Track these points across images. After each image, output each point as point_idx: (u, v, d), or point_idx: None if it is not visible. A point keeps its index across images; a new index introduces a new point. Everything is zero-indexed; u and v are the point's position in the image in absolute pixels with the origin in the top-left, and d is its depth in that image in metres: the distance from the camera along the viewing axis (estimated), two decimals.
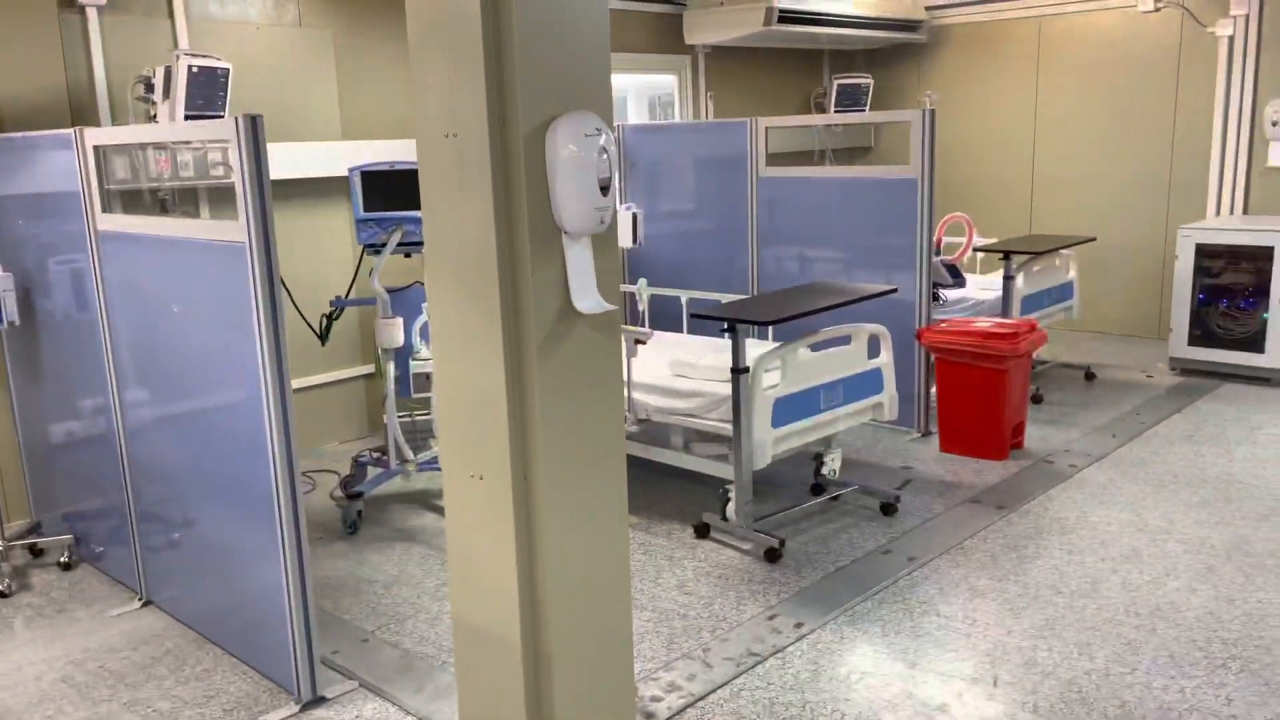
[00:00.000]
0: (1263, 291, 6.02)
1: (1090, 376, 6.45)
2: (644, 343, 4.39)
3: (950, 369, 5.14)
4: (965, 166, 8.09)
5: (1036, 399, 5.94)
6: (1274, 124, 6.55)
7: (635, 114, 7.59)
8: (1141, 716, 2.88)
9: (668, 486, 4.81)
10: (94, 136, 3.53)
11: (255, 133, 2.75)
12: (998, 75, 7.91)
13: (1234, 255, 6.12)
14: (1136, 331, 7.37)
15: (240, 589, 3.26)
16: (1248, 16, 6.62)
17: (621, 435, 2.60)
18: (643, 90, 7.55)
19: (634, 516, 4.47)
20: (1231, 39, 6.71)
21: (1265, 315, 6.02)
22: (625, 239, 5.97)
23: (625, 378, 4.44)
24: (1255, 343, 6.08)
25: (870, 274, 5.54)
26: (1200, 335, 6.31)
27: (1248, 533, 4.07)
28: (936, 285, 5.94)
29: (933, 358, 5.24)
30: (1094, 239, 6.49)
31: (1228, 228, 6.27)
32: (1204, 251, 6.22)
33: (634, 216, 5.89)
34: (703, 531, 4.27)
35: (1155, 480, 4.69)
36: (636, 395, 4.47)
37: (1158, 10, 6.98)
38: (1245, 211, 6.82)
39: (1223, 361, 6.24)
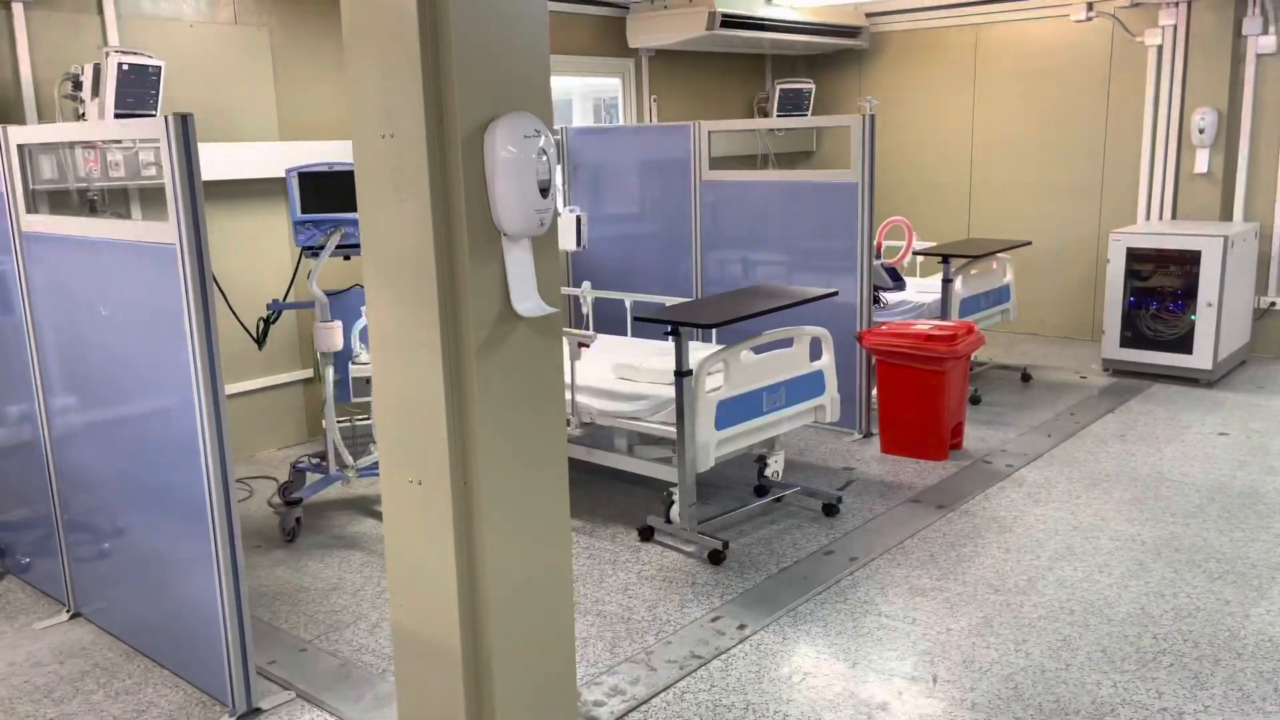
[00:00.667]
0: (1190, 294, 6.19)
1: (1027, 378, 6.58)
2: (587, 346, 4.38)
3: (890, 371, 5.20)
4: (906, 171, 8.22)
5: (975, 400, 6.04)
6: (1200, 131, 6.76)
7: (581, 117, 7.58)
8: (1075, 711, 2.93)
9: (612, 489, 4.79)
10: (18, 135, 3.42)
11: (186, 132, 2.69)
12: (936, 82, 8.04)
13: (1163, 259, 6.29)
14: (1071, 333, 7.54)
15: (173, 599, 3.18)
16: (1175, 27, 6.81)
17: (563, 439, 2.59)
18: (588, 93, 7.54)
19: (578, 520, 4.45)
20: (1160, 48, 6.91)
21: (1193, 317, 6.20)
22: (569, 242, 5.96)
23: (568, 381, 4.43)
24: (1184, 344, 6.26)
25: (812, 277, 5.59)
26: (1131, 337, 6.47)
27: (1176, 530, 4.18)
28: (877, 288, 6.03)
29: (873, 360, 5.31)
30: (1029, 243, 6.63)
31: (1156, 232, 6.44)
32: (1134, 255, 6.39)
33: (578, 219, 5.87)
34: (647, 534, 4.27)
35: (1089, 479, 4.79)
36: (580, 398, 4.45)
37: (1089, 20, 7.15)
38: (1174, 216, 7.02)
39: (1153, 362, 6.41)
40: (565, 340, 4.47)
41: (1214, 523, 4.23)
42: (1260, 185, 6.75)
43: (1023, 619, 3.48)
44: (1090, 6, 7.12)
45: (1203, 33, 6.72)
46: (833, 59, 8.43)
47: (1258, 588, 3.65)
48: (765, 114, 8.22)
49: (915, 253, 6.62)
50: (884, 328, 5.29)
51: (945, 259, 6.10)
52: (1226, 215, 6.85)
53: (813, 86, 8.09)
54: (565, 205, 6.45)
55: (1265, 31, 6.50)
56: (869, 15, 8.05)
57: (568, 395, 4.43)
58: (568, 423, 4.45)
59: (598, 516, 4.52)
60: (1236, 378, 6.44)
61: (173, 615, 3.20)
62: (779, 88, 7.95)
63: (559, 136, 6.51)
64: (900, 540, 4.18)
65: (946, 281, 6.06)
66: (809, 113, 8.06)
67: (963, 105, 7.95)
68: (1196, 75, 6.78)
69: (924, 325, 5.24)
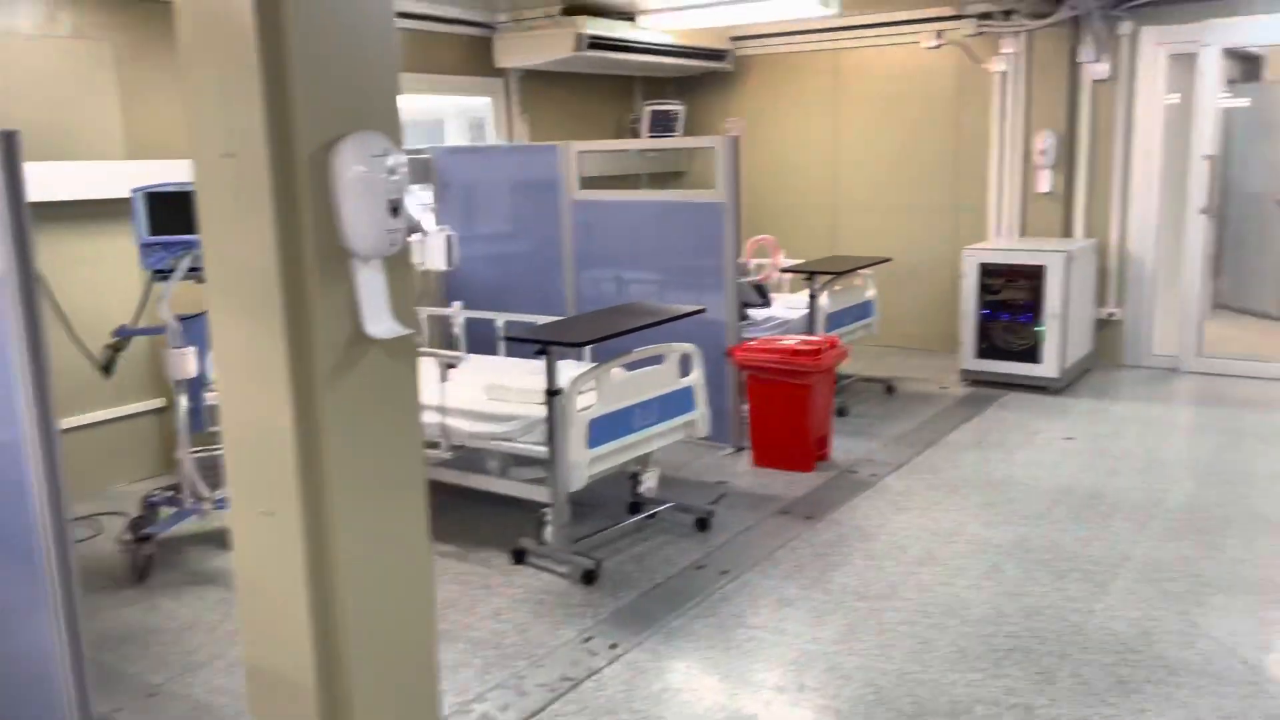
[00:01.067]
0: (1038, 307, 6.54)
1: (890, 389, 6.81)
2: (454, 367, 4.31)
3: (759, 385, 5.31)
4: (773, 190, 8.43)
5: (842, 412, 6.22)
6: (1042, 153, 7.16)
7: (456, 137, 7.48)
8: (934, 711, 3.03)
9: (485, 513, 4.73)
10: None
11: (11, 150, 2.52)
12: (801, 104, 8.29)
13: (1012, 274, 6.63)
14: (932, 346, 7.84)
15: (4, 650, 2.96)
16: (1017, 54, 7.20)
17: (420, 464, 2.54)
18: (463, 112, 7.45)
19: (449, 545, 4.37)
20: (1004, 75, 7.29)
21: (1040, 329, 6.54)
22: (440, 261, 5.87)
23: (438, 404, 4.36)
24: (1032, 354, 6.60)
25: (683, 294, 5.65)
26: (986, 348, 6.78)
27: (1026, 531, 4.39)
28: (746, 305, 6.15)
29: (743, 375, 5.40)
30: (890, 259, 6.87)
31: (1005, 248, 6.79)
32: (986, 270, 6.70)
33: (448, 239, 5.79)
34: (519, 557, 4.23)
35: (947, 485, 4.99)
36: (450, 421, 4.38)
37: (939, 47, 7.51)
38: (1022, 233, 7.40)
39: (1006, 372, 6.73)
40: (433, 362, 4.40)
41: (1061, 523, 4.46)
42: (1098, 203, 7.19)
43: (885, 624, 3.59)
44: (940, 34, 7.48)
45: (1043, 60, 7.13)
46: (701, 81, 8.60)
47: (1100, 583, 3.85)
48: (637, 134, 8.31)
49: (782, 270, 6.79)
50: (752, 343, 5.40)
51: (811, 276, 6.28)
52: (1068, 232, 7.27)
53: (682, 108, 8.23)
54: (435, 225, 6.36)
55: (1098, 59, 6.94)
56: (734, 39, 8.24)
57: (437, 418, 4.35)
58: (437, 446, 4.37)
59: (470, 541, 4.45)
60: (1081, 385, 6.82)
61: (5, 666, 2.98)
62: (649, 109, 8.05)
63: (427, 156, 6.43)
64: (770, 552, 4.26)
65: (812, 297, 6.23)
66: (679, 133, 8.18)
67: (826, 127, 8.21)
68: (1038, 100, 7.19)
69: (790, 340, 5.36)
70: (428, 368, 4.60)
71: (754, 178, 8.28)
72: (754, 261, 6.93)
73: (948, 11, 7.26)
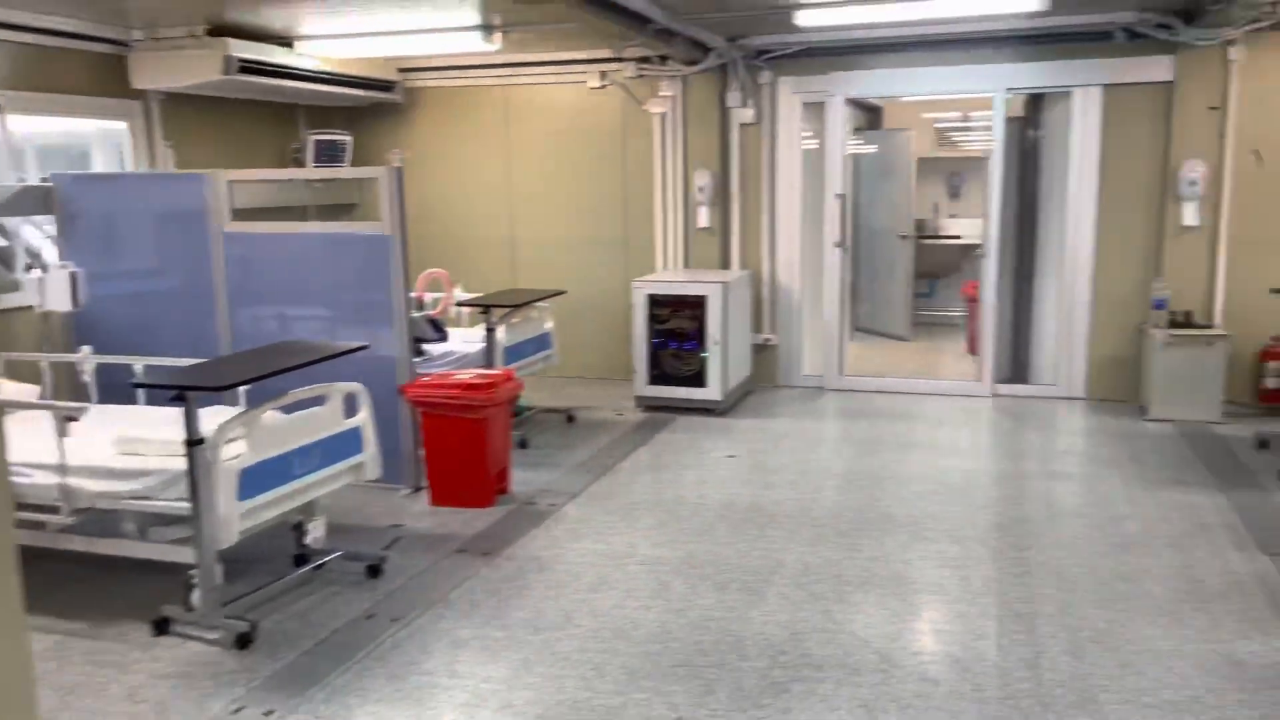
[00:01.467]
0: (701, 334, 6.93)
1: (571, 419, 6.93)
2: (76, 419, 3.83)
3: (434, 422, 5.19)
4: (450, 224, 8.36)
5: (523, 444, 6.23)
6: (701, 190, 7.64)
7: (103, 164, 6.68)
8: None
9: (122, 581, 4.23)
10: None
11: None
12: (473, 138, 8.30)
13: (677, 304, 6.99)
14: (610, 374, 8.08)
15: None
16: (675, 97, 7.66)
17: (9, 535, 2.18)
18: (109, 137, 6.68)
19: (76, 622, 3.86)
20: (664, 116, 7.72)
21: (704, 355, 6.94)
22: (63, 302, 5.24)
23: (57, 462, 3.84)
24: (699, 379, 6.98)
25: (353, 331, 5.40)
26: (657, 375, 7.09)
27: (694, 548, 4.59)
28: (421, 340, 6.01)
29: (418, 412, 5.26)
30: (565, 292, 7.01)
31: (670, 280, 7.16)
32: (654, 301, 7.02)
33: (73, 276, 5.19)
34: (162, 626, 3.80)
35: (622, 509, 5.12)
36: (72, 481, 3.88)
37: (604, 88, 7.82)
38: (686, 266, 7.85)
39: (676, 397, 7.07)
40: (49, 415, 3.89)
41: (723, 537, 4.71)
42: (751, 237, 7.78)
43: (559, 654, 3.59)
44: (604, 76, 7.79)
45: (697, 103, 7.63)
46: (370, 112, 8.37)
47: (756, 591, 4.10)
48: (301, 164, 7.92)
49: (457, 304, 6.72)
50: (426, 379, 5.27)
51: (487, 309, 6.25)
52: (726, 264, 7.80)
53: (350, 139, 7.95)
54: (58, 261, 5.66)
55: (744, 104, 7.53)
56: (402, 70, 8.10)
57: (55, 478, 3.84)
58: (56, 510, 3.85)
59: (103, 614, 3.94)
60: (743, 406, 7.32)
61: None
62: (313, 138, 7.71)
63: (50, 185, 5.72)
64: (445, 593, 4.14)
65: (489, 331, 6.21)
66: (347, 164, 7.90)
67: (500, 162, 8.28)
68: (694, 141, 7.68)
69: (465, 375, 5.30)
70: (43, 422, 4.06)
71: (429, 211, 8.18)
72: (429, 295, 6.81)
73: (609, 54, 7.57)
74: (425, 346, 6.10)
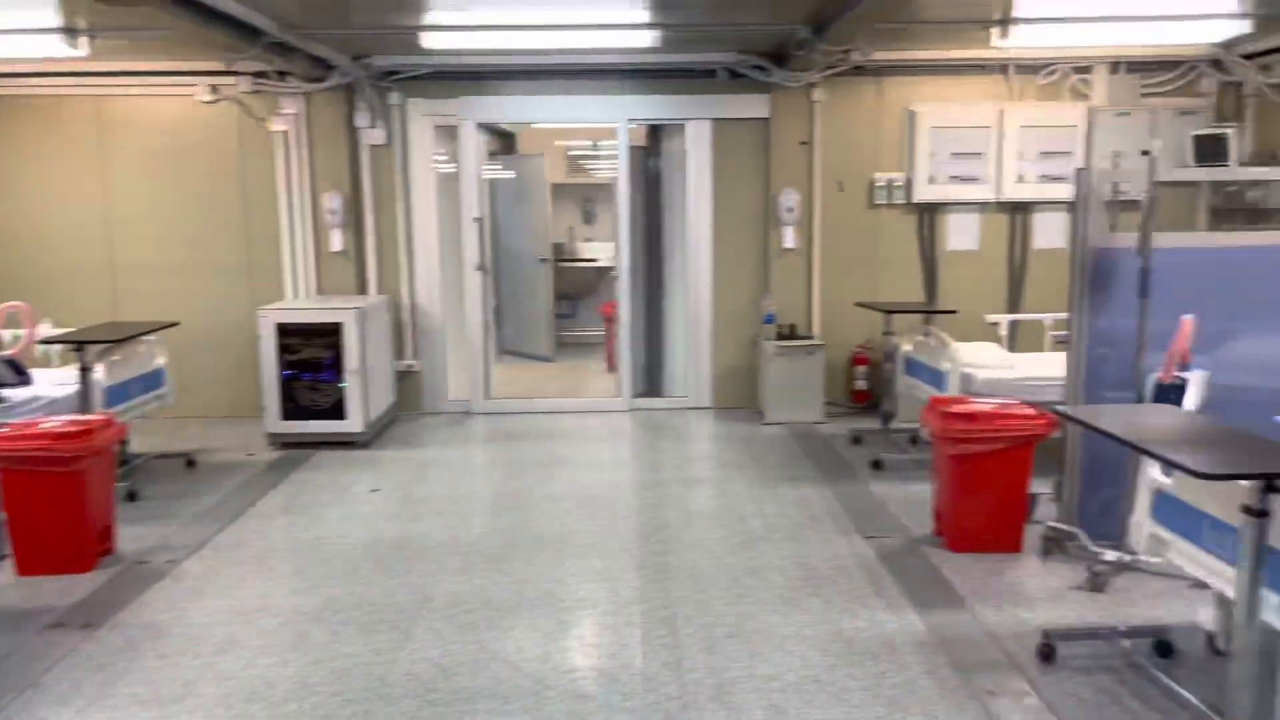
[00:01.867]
0: (338, 364, 6.59)
1: (191, 463, 6.28)
2: None
3: (17, 478, 4.46)
4: (32, 251, 7.31)
5: (131, 496, 5.54)
6: (331, 213, 7.28)
7: None
8: None
9: None
10: None
11: None
12: (60, 154, 7.32)
13: (310, 332, 6.59)
14: (238, 412, 7.45)
15: None
16: (298, 115, 7.25)
17: None
18: None
19: None
20: (287, 134, 7.28)
21: (342, 385, 6.60)
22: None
23: None
24: (338, 410, 6.63)
25: None
26: (292, 409, 6.64)
27: (336, 591, 4.31)
28: None
29: None
30: (177, 323, 6.36)
31: (300, 307, 6.74)
32: (284, 330, 6.57)
33: None
34: None
35: (254, 559, 4.70)
36: None
37: (216, 102, 7.22)
38: (319, 291, 7.44)
39: (314, 431, 6.65)
40: None
41: (369, 576, 4.47)
42: (388, 261, 7.54)
43: None
44: (215, 89, 7.20)
45: (323, 122, 7.27)
46: None
47: (404, 629, 3.92)
48: None
49: (42, 341, 5.85)
50: (4, 430, 4.52)
51: (81, 346, 5.50)
52: (363, 289, 7.49)
53: None
54: None
55: (374, 125, 7.29)
56: None
57: None
58: None
59: None
60: (387, 436, 7.06)
61: None
62: None
63: None
64: (37, 677, 3.54)
65: (85, 371, 5.46)
66: None
67: (92, 181, 7.37)
68: (321, 161, 7.32)
69: (53, 422, 4.61)
70: None
71: (9, 236, 7.10)
72: (7, 333, 5.87)
73: (219, 66, 7.00)
74: (4, 392, 5.24)
